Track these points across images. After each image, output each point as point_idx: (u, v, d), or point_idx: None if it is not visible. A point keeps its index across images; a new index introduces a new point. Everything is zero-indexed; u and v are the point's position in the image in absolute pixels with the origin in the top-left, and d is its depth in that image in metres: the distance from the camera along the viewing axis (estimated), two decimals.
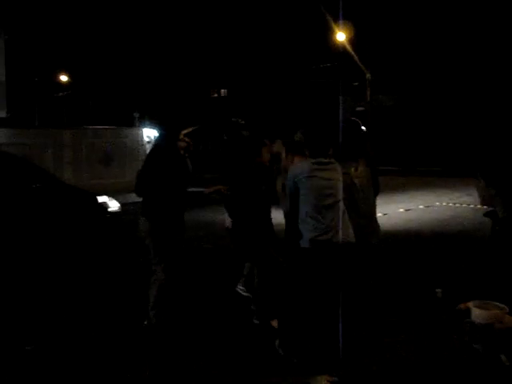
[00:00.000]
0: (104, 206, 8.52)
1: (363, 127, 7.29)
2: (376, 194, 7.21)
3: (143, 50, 40.26)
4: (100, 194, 8.77)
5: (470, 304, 2.80)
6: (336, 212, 4.79)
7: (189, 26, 39.14)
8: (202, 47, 39.27)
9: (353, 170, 5.43)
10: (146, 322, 5.58)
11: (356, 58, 26.92)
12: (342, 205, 4.87)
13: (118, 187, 15.49)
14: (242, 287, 6.62)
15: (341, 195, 4.88)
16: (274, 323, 5.61)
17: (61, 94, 42.03)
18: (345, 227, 4.81)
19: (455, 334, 3.00)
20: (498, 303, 2.76)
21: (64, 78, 39.81)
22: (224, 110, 40.46)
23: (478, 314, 2.69)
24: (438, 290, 6.65)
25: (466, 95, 29.35)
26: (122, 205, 9.86)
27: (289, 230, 5.06)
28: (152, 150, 5.90)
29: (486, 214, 2.98)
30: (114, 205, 8.95)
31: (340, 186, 4.91)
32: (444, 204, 15.41)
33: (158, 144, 5.91)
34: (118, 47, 40.82)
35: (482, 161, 3.05)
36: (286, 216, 5.17)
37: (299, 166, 4.96)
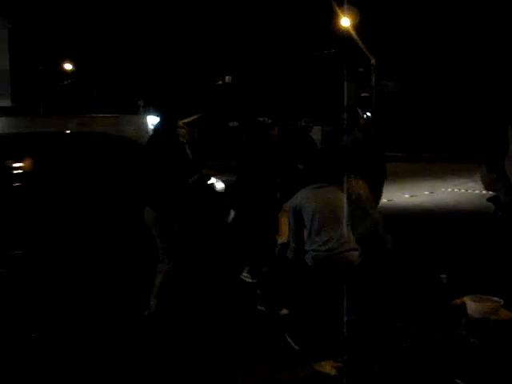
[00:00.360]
0: (212, 186, 8.38)
1: (368, 113, 7.29)
2: (383, 179, 7.21)
3: (148, 37, 40.11)
4: None
5: (465, 298, 2.80)
6: (339, 230, 4.81)
7: (193, 13, 38.96)
8: (206, 34, 39.09)
9: (353, 182, 5.48)
10: (146, 313, 5.52)
11: (361, 43, 26.76)
12: (345, 222, 4.87)
13: None
14: (246, 274, 6.63)
15: (343, 214, 4.88)
16: (284, 311, 5.63)
17: (65, 82, 42.00)
18: (349, 245, 4.84)
19: (452, 328, 3.01)
20: (492, 297, 2.75)
21: (68, 67, 39.73)
22: (229, 96, 40.34)
23: (473, 307, 2.68)
24: (443, 276, 6.64)
25: (471, 80, 29.18)
26: None
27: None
28: (151, 138, 5.79)
29: (489, 199, 2.98)
30: (220, 186, 8.81)
31: (341, 204, 4.91)
32: (449, 190, 15.37)
33: (156, 131, 5.82)
34: (122, 35, 40.69)
35: (483, 146, 3.05)
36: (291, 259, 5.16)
37: (297, 196, 5.00)
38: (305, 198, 4.91)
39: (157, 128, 5.79)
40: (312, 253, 4.79)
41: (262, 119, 6.79)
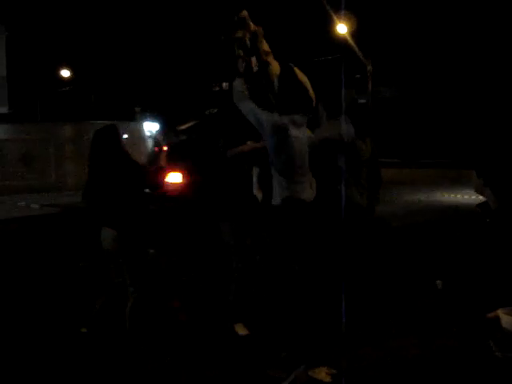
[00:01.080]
0: None
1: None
2: (378, 186, 7.20)
3: (144, 44, 40.18)
4: None
5: (499, 311, 2.77)
6: (308, 171, 4.74)
7: (190, 19, 39.04)
8: (202, 40, 39.18)
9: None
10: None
11: (357, 50, 26.83)
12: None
13: None
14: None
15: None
16: (240, 329, 5.40)
17: (63, 89, 42.00)
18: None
19: (486, 344, 2.97)
20: None
21: (66, 73, 39.76)
22: (226, 103, 40.34)
23: (507, 320, 2.65)
24: (439, 282, 6.64)
25: (467, 86, 29.30)
26: None
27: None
28: (95, 150, 4.99)
29: (478, 206, 2.98)
30: None
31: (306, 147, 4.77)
32: (445, 196, 15.41)
33: (102, 142, 4.98)
34: (119, 42, 40.76)
35: (473, 152, 3.07)
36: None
37: (279, 121, 4.62)
38: (293, 127, 4.62)
39: (100, 139, 4.95)
40: (282, 194, 4.61)
41: (208, 112, 6.52)
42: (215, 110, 6.63)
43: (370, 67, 28.68)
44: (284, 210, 4.59)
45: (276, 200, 4.64)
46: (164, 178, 5.19)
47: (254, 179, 5.53)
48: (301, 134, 4.70)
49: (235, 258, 5.41)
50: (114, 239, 4.68)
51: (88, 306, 5.17)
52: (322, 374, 4.46)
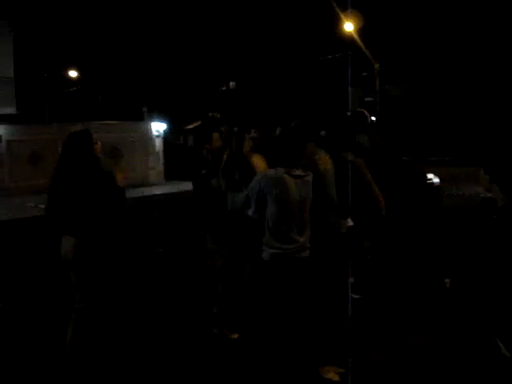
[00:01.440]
0: (431, 180, 11.06)
1: (373, 117, 7.17)
2: (385, 184, 7.16)
3: (152, 44, 40.27)
4: None
5: None
6: (305, 225, 4.36)
7: (197, 19, 39.10)
8: (210, 40, 39.21)
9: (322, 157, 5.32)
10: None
11: (364, 48, 26.78)
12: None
13: (128, 181, 15.56)
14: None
15: (308, 211, 4.41)
16: (234, 335, 5.30)
17: (70, 89, 42.13)
18: (306, 242, 4.39)
19: (494, 343, 2.96)
20: None
21: (73, 74, 39.88)
22: (233, 102, 40.41)
23: None
24: (447, 280, 6.64)
25: (474, 84, 29.21)
26: (132, 199, 9.73)
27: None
28: (64, 155, 4.72)
29: (485, 203, 2.98)
30: (436, 180, 11.45)
31: (309, 199, 4.41)
32: (453, 193, 15.35)
33: (71, 147, 4.70)
34: (126, 42, 40.86)
35: (481, 149, 3.06)
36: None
37: (273, 174, 4.28)
38: (278, 184, 4.23)
39: (73, 144, 4.69)
40: (271, 250, 4.26)
41: (211, 114, 6.40)
42: (218, 115, 6.40)
43: (377, 65, 28.62)
44: (273, 268, 4.26)
45: (266, 253, 4.29)
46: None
47: None
48: (302, 190, 4.33)
49: (218, 264, 5.42)
50: (73, 248, 4.47)
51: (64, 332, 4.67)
52: (330, 373, 4.46)
